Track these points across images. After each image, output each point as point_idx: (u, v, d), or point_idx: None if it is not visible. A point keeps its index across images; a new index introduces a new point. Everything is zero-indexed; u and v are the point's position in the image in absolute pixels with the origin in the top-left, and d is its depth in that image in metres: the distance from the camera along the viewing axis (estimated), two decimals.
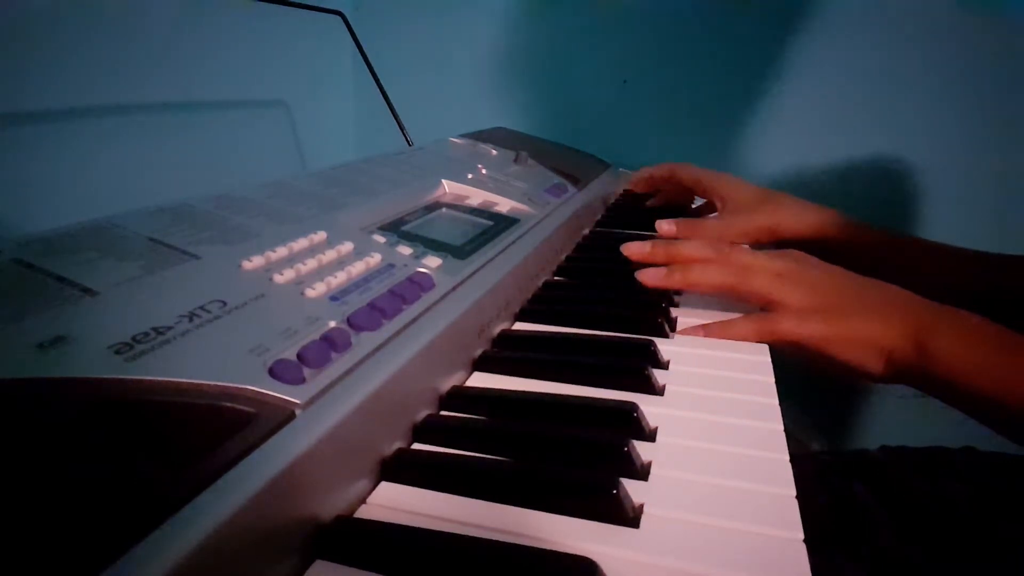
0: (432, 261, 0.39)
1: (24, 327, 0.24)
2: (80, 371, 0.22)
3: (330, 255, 0.36)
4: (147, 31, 0.83)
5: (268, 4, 0.84)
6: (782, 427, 0.33)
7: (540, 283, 0.52)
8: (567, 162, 0.77)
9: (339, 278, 0.33)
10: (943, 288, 0.58)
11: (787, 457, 0.30)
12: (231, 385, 0.24)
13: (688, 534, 0.25)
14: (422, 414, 0.32)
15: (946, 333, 0.40)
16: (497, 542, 0.24)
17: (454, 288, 0.38)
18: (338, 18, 0.93)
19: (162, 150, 0.86)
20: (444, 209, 0.51)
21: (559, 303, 0.49)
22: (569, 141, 0.91)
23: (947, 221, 0.87)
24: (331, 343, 0.28)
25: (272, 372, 0.25)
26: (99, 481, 0.19)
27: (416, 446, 0.31)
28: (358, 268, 0.35)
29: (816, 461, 0.57)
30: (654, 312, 0.45)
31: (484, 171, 0.61)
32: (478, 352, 0.39)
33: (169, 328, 0.26)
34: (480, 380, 0.37)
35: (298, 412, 0.24)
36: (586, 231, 0.68)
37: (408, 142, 0.93)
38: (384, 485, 0.28)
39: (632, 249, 0.49)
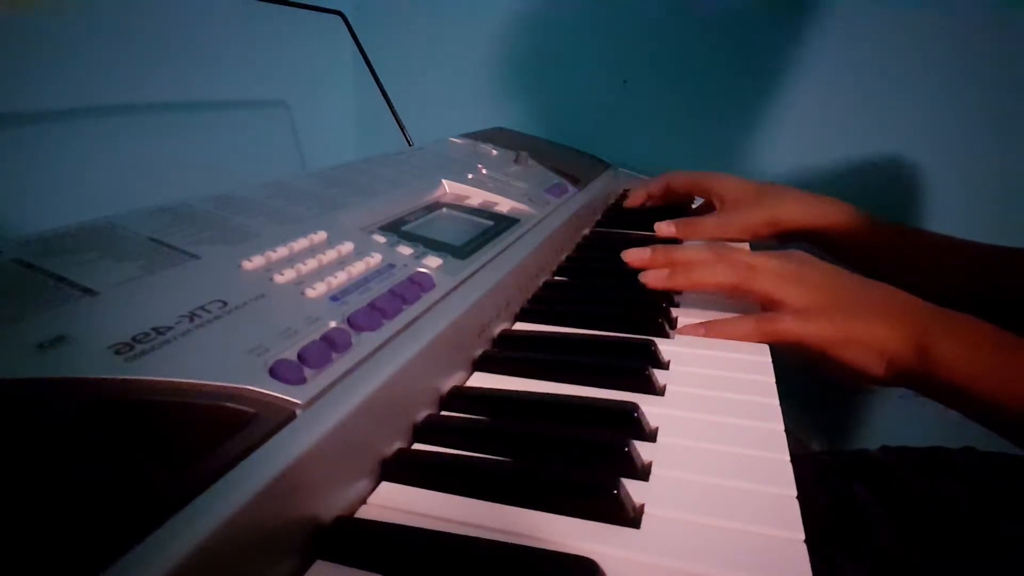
0: (432, 261, 0.39)
1: (24, 327, 0.24)
2: (80, 371, 0.22)
3: (330, 255, 0.36)
4: (147, 31, 0.83)
5: (268, 4, 0.84)
6: (783, 427, 0.33)
7: (540, 283, 0.52)
8: (567, 162, 0.77)
9: (339, 278, 0.33)
10: (945, 280, 0.57)
11: (788, 457, 0.30)
12: (231, 385, 0.24)
13: (689, 534, 0.25)
14: (423, 414, 0.32)
15: (948, 337, 0.40)
16: (498, 542, 0.24)
17: (454, 288, 0.38)
18: (338, 18, 0.93)
19: (162, 150, 0.86)
20: (444, 209, 0.51)
21: (559, 303, 0.49)
22: (569, 141, 0.91)
23: (947, 221, 0.87)
24: (331, 343, 0.28)
25: (272, 372, 0.25)
26: (99, 481, 0.19)
27: (417, 446, 0.31)
28: (358, 268, 0.35)
29: (816, 461, 0.57)
30: (654, 312, 0.45)
31: (484, 171, 0.61)
32: (478, 352, 0.39)
33: (169, 328, 0.26)
34: (480, 380, 0.37)
35: (298, 412, 0.24)
36: (586, 231, 0.68)
37: (408, 142, 0.93)
38: (384, 485, 0.28)
39: (632, 255, 0.49)
